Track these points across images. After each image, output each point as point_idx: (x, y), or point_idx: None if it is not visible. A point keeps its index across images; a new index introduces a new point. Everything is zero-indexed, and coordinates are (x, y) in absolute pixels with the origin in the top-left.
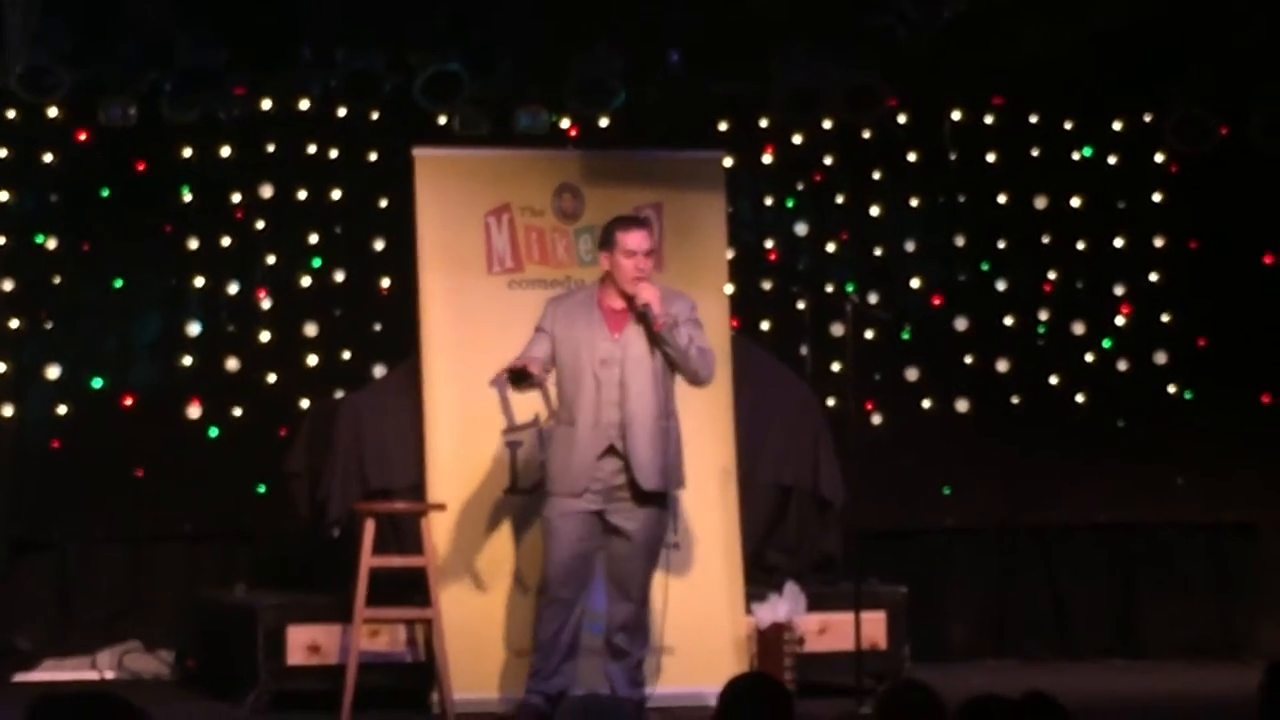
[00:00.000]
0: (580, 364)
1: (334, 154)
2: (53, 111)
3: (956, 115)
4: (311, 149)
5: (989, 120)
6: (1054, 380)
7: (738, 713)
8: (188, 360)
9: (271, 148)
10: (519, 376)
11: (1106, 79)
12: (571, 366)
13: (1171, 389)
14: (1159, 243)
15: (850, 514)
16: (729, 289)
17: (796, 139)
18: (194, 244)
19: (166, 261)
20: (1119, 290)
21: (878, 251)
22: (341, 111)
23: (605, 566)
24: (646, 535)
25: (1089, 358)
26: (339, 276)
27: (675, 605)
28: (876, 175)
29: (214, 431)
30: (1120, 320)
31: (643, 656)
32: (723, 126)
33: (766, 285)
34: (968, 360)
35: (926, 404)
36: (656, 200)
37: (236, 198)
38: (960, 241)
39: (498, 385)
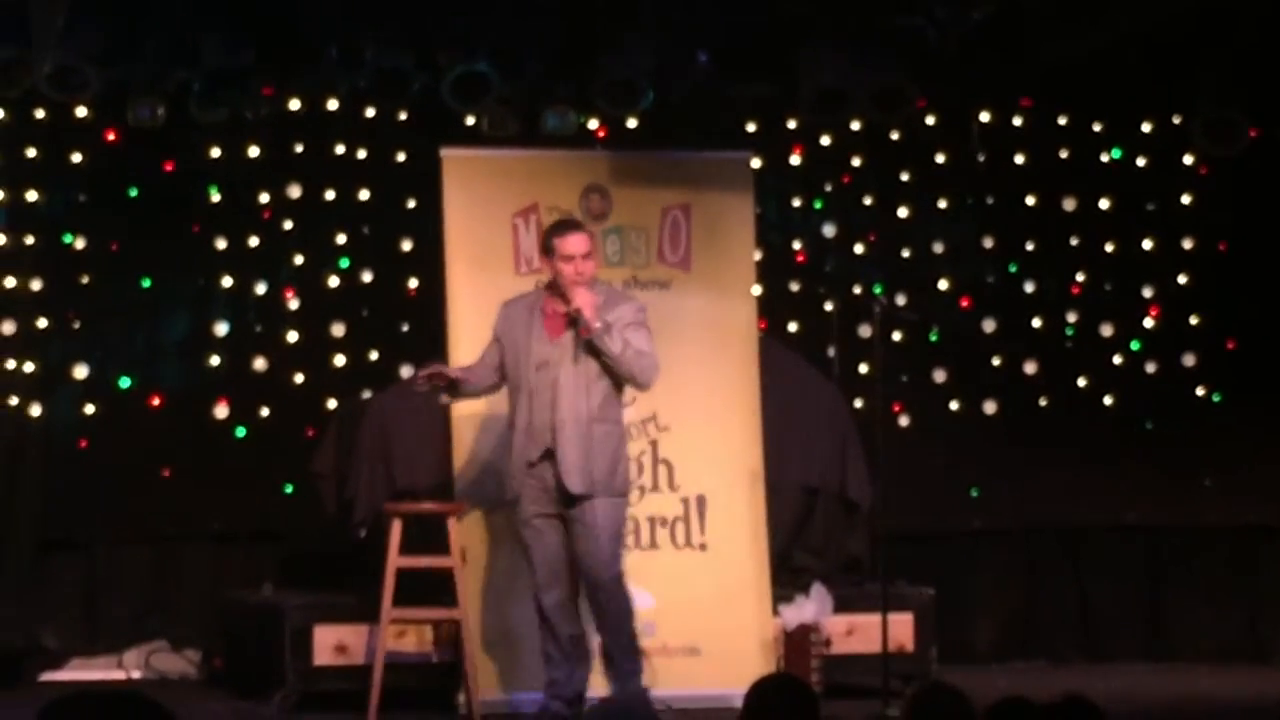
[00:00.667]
0: (519, 368)
1: (362, 154)
2: (81, 111)
3: (985, 116)
4: (339, 149)
5: (1017, 122)
6: (1082, 382)
7: (763, 714)
8: (215, 360)
9: (299, 148)
10: (452, 388)
11: (1135, 80)
12: (513, 371)
13: (1200, 391)
14: (1188, 244)
15: (877, 516)
16: (756, 290)
17: (824, 140)
18: (222, 244)
19: (194, 261)
20: (1147, 292)
21: (906, 253)
22: (369, 111)
23: (578, 559)
24: (605, 523)
25: (1117, 359)
26: (366, 277)
27: (702, 606)
28: (905, 176)
29: (241, 431)
30: (1149, 322)
31: (626, 650)
32: (751, 127)
33: (794, 286)
34: (995, 362)
35: (954, 405)
36: (684, 201)
37: (264, 198)
38: (988, 243)
39: (417, 385)
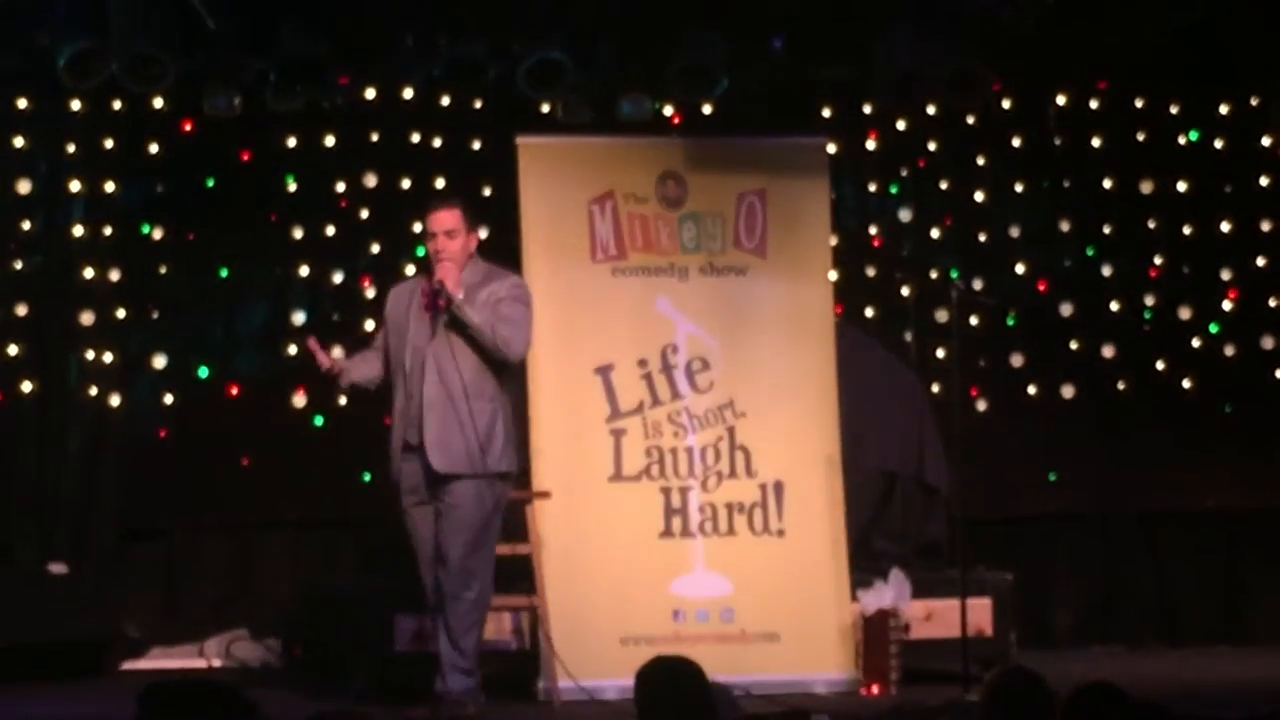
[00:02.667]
0: (398, 350)
1: (437, 142)
2: (158, 102)
3: (1061, 99)
4: (415, 138)
5: (1094, 104)
6: (1160, 366)
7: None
8: (293, 349)
9: (375, 136)
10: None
11: (1213, 62)
12: (394, 354)
13: (1278, 374)
14: (1266, 227)
15: (955, 500)
16: (833, 275)
17: (900, 124)
18: (298, 233)
19: (271, 251)
20: (1225, 275)
21: (982, 237)
22: (445, 100)
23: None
24: (467, 505)
25: (1195, 343)
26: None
27: (781, 592)
28: (981, 160)
29: (319, 420)
30: (1227, 305)
31: (457, 644)
32: (826, 112)
33: (870, 271)
34: (1073, 346)
35: (1031, 390)
36: (760, 186)
37: (341, 187)
38: (1065, 227)
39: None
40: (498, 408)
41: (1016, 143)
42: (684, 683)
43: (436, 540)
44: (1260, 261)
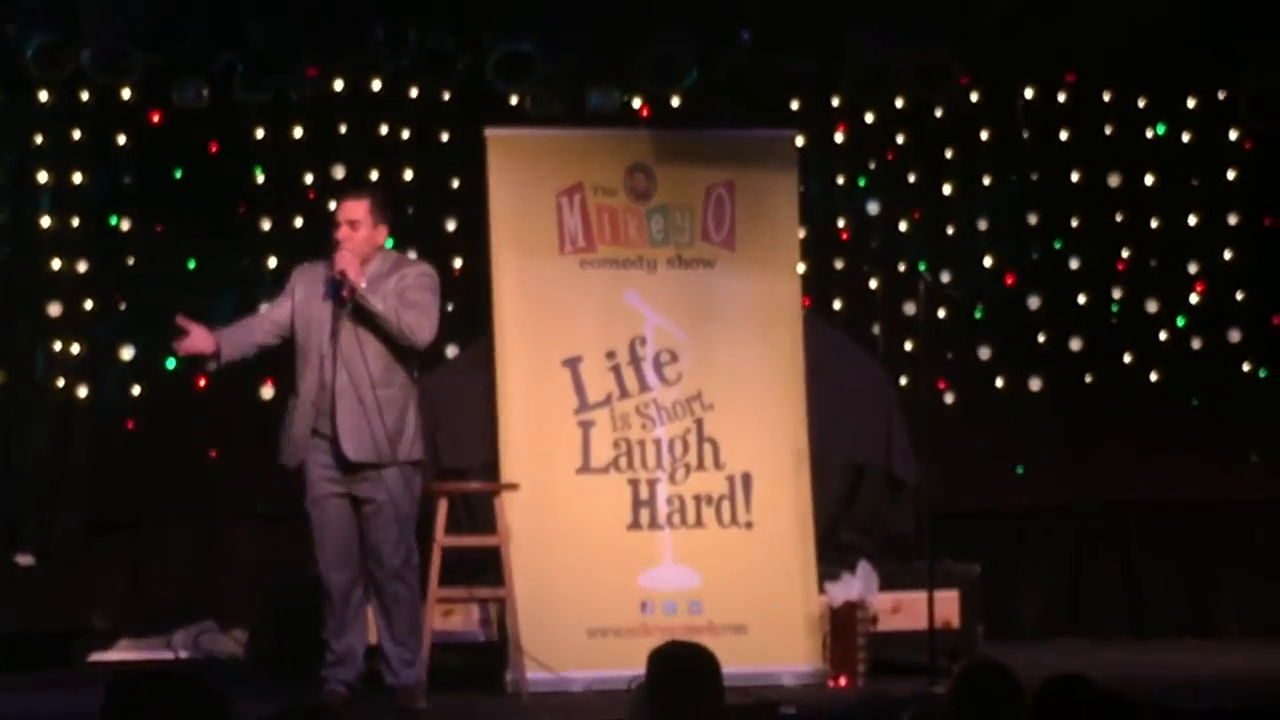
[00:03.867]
0: (308, 336)
1: (406, 134)
2: (126, 93)
3: (1029, 93)
4: (384, 129)
5: (1061, 98)
6: (1127, 358)
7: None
8: None
9: (344, 128)
10: (203, 361)
11: (1180, 56)
12: (302, 337)
13: (1245, 367)
14: (1233, 220)
15: (923, 493)
16: (801, 268)
17: (868, 117)
18: (267, 225)
19: (239, 242)
20: (1193, 268)
21: (950, 230)
22: (413, 92)
23: (364, 539)
24: (395, 495)
25: (1162, 336)
26: (411, 256)
27: (748, 584)
28: (949, 153)
29: None
30: (1194, 298)
31: (406, 639)
32: (794, 105)
33: (839, 264)
34: (1040, 339)
35: (999, 382)
36: (728, 179)
37: (309, 178)
38: (1033, 220)
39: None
40: (408, 396)
41: (984, 136)
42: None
43: (363, 535)
44: (1227, 255)
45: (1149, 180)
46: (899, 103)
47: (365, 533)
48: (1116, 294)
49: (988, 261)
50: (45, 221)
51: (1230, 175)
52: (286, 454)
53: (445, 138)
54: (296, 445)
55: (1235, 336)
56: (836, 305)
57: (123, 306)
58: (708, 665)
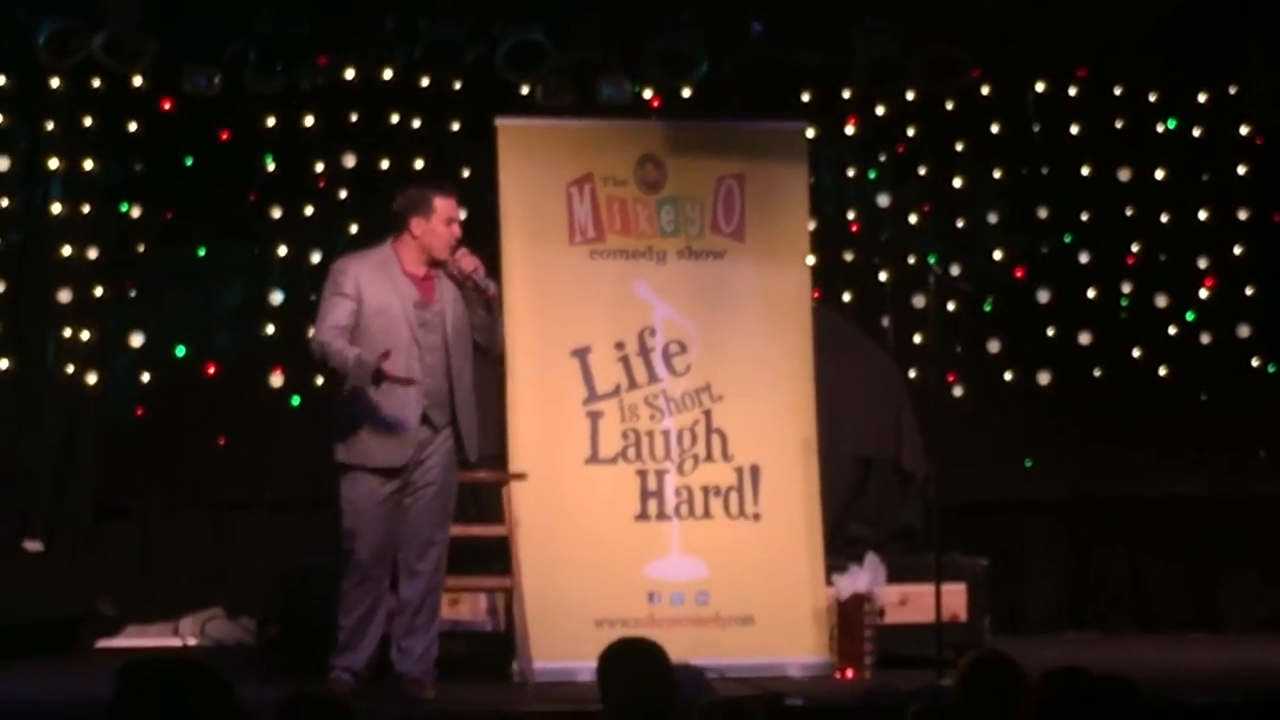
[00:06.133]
0: (395, 331)
1: (416, 123)
2: (137, 80)
3: (1040, 87)
4: (394, 118)
5: (1072, 92)
6: (1136, 353)
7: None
8: (270, 329)
9: (354, 117)
10: (378, 377)
11: (1191, 50)
12: (384, 334)
13: (1255, 362)
14: (1243, 215)
15: (931, 486)
16: (811, 260)
17: (879, 110)
18: (277, 213)
19: (250, 230)
20: (1202, 263)
21: (960, 223)
22: (424, 81)
23: (404, 530)
24: (452, 490)
25: (1172, 330)
26: None
27: (756, 576)
28: (959, 146)
29: (296, 400)
30: (1204, 293)
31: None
32: (805, 97)
33: (848, 256)
34: (1050, 332)
35: (1008, 376)
36: (739, 171)
37: (319, 167)
38: (1043, 213)
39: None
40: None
41: (995, 129)
42: (647, 663)
43: (412, 521)
44: (1237, 250)
45: (1159, 175)
46: (910, 95)
47: (413, 520)
48: (1126, 288)
49: (998, 255)
50: (56, 208)
51: (1241, 170)
52: (378, 456)
53: (456, 127)
54: (399, 447)
55: (1245, 332)
56: (846, 297)
57: (133, 294)
58: (655, 658)
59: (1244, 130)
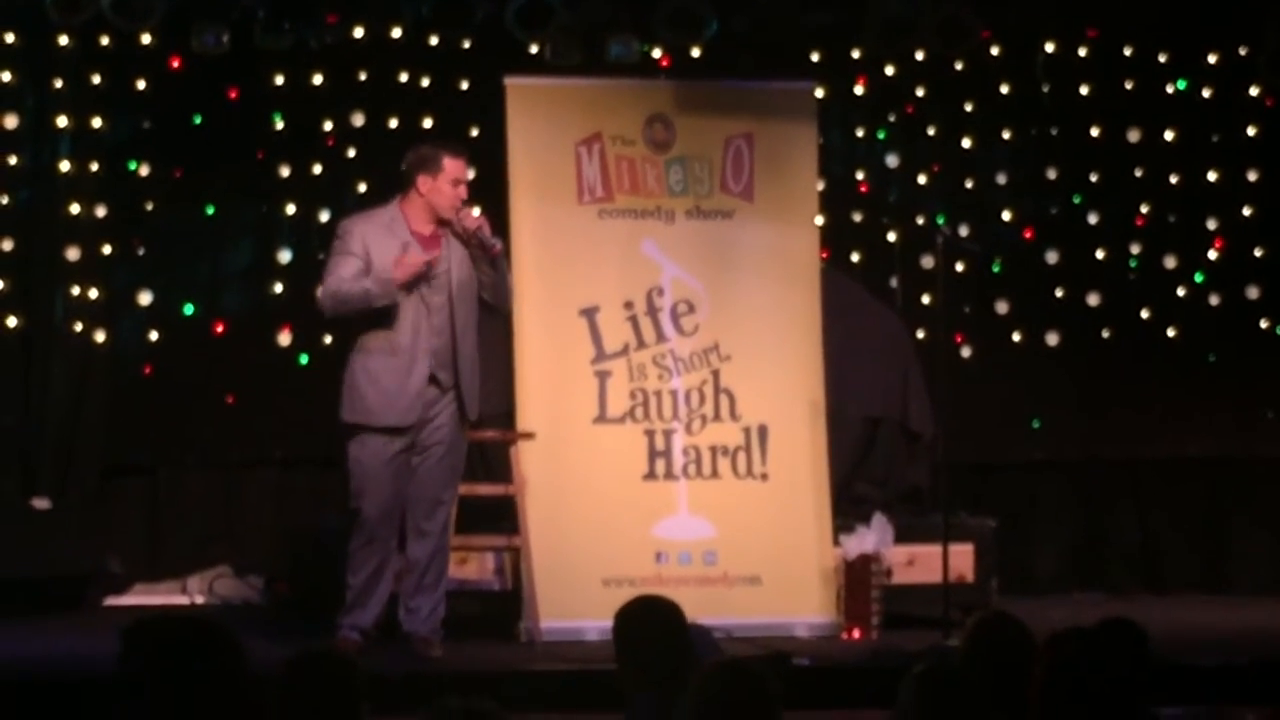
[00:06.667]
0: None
1: (425, 82)
2: (145, 38)
3: (1050, 47)
4: (403, 77)
5: (1082, 52)
6: (1145, 314)
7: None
8: (279, 288)
9: (363, 76)
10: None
11: (1201, 11)
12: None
13: (1264, 323)
14: (1252, 176)
15: (939, 446)
16: (819, 220)
17: (888, 70)
18: (285, 171)
19: (258, 189)
20: (1211, 224)
21: (969, 184)
22: (433, 40)
23: (412, 489)
24: (462, 450)
25: (1181, 292)
26: None
27: (763, 536)
28: (968, 107)
29: (304, 359)
30: (1213, 254)
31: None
32: (814, 57)
33: (857, 217)
34: (1058, 293)
35: (1016, 337)
36: (747, 130)
37: (328, 125)
38: (1052, 174)
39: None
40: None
41: (1004, 90)
42: (663, 621)
43: (420, 480)
44: (1246, 211)
45: (1169, 136)
46: (919, 56)
47: (421, 480)
48: (1135, 249)
49: (1006, 216)
50: (64, 166)
51: (1251, 131)
52: (385, 415)
53: (465, 86)
54: (408, 405)
55: (1254, 293)
56: (855, 258)
57: (141, 252)
58: (671, 616)
59: (1254, 92)
